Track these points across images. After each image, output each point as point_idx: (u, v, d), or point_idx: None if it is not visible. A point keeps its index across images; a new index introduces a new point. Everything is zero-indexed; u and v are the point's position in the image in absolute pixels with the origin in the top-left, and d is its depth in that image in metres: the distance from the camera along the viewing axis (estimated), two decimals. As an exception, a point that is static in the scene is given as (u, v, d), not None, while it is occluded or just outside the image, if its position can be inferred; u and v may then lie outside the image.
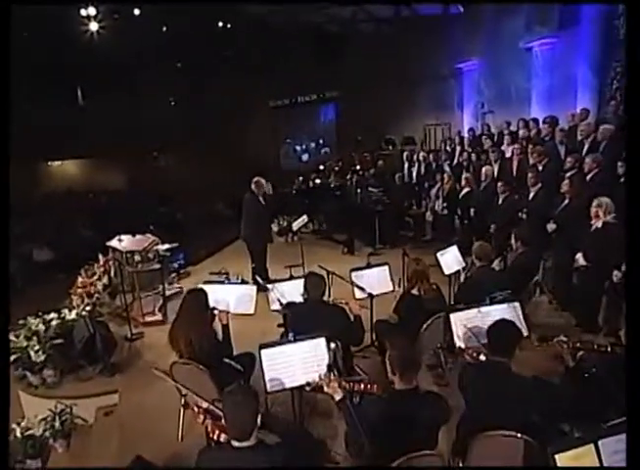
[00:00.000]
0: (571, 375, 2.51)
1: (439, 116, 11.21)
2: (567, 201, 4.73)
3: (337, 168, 11.94)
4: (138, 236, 5.30)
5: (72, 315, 4.67)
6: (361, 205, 8.60)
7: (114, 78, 13.05)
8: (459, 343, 3.04)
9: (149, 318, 5.27)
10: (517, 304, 3.28)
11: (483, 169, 6.45)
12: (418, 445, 1.97)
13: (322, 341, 2.77)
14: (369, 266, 4.25)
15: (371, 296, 3.87)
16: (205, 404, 2.10)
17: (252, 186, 5.85)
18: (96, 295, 5.17)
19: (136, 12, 11.48)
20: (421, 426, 2.03)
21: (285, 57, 13.28)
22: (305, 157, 15.15)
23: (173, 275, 6.82)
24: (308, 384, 2.41)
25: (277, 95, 15.10)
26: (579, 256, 4.33)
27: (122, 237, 5.42)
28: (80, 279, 5.27)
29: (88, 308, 4.85)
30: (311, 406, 3.37)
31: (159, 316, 5.35)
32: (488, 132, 8.60)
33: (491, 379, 2.28)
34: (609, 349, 2.52)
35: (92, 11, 10.74)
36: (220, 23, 12.59)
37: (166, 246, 5.97)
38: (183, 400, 3.22)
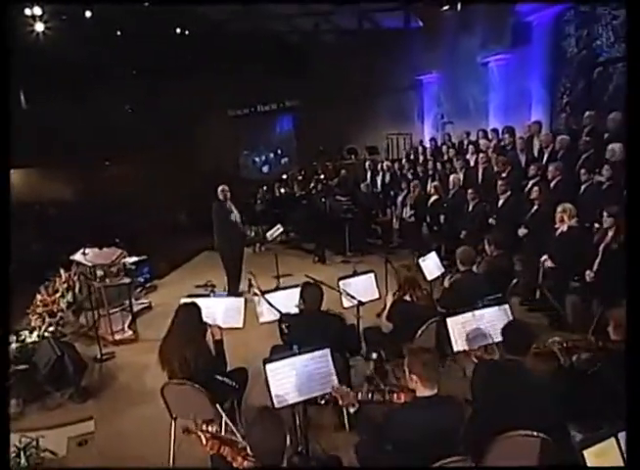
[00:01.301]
0: (566, 374, 2.61)
1: (401, 126, 11.53)
2: (536, 207, 4.99)
3: (300, 178, 11.94)
4: (105, 249, 4.96)
5: (33, 337, 4.28)
6: (330, 213, 8.62)
7: (63, 82, 12.31)
8: (458, 346, 3.08)
9: (118, 336, 4.93)
10: (507, 306, 3.39)
11: (451, 178, 6.68)
12: (448, 450, 1.95)
13: (327, 352, 2.70)
14: (355, 274, 4.22)
15: (361, 303, 3.84)
16: (212, 429, 1.95)
17: (220, 195, 5.73)
18: (59, 313, 4.77)
19: (87, 14, 10.95)
20: (449, 431, 2.01)
21: (245, 65, 13.15)
22: (266, 168, 15.04)
23: (139, 289, 6.46)
24: (323, 397, 2.32)
25: (236, 104, 14.91)
26: (545, 257, 4.58)
27: (87, 250, 5.06)
28: (40, 297, 4.85)
29: (51, 329, 4.48)
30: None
31: (129, 334, 5.03)
32: (450, 142, 8.95)
33: (508, 378, 2.31)
34: (600, 344, 2.65)
35: (37, 11, 10.11)
36: (178, 29, 12.26)
37: (134, 258, 5.66)
38: (174, 426, 3.01)
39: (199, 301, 3.65)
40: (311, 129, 13.31)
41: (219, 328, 3.07)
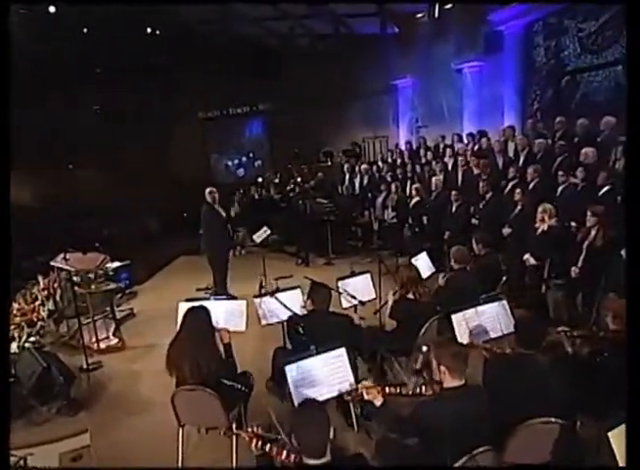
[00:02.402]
0: (575, 363, 2.74)
1: (376, 129, 11.72)
2: (519, 207, 5.21)
3: (277, 181, 11.89)
4: (89, 254, 4.73)
5: (13, 348, 4.04)
6: (311, 216, 8.63)
7: (22, 81, 11.65)
8: (463, 341, 3.17)
9: (104, 345, 4.72)
10: (504, 301, 3.52)
11: (433, 180, 6.86)
12: (476, 440, 2.00)
13: (343, 351, 2.71)
14: (353, 275, 4.25)
15: (362, 303, 3.87)
16: (254, 429, 1.92)
17: (207, 198, 5.66)
18: (39, 323, 4.51)
19: (51, 9, 10.45)
20: (477, 420, 2.06)
21: (218, 68, 12.97)
22: (241, 171, 14.90)
23: (119, 296, 6.21)
24: (349, 393, 2.33)
25: (207, 106, 14.70)
26: (528, 256, 4.79)
27: (68, 255, 4.80)
28: (17, 306, 4.57)
29: (32, 339, 4.23)
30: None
31: (115, 342, 4.83)
32: (426, 145, 9.18)
33: (522, 371, 2.40)
34: (602, 334, 2.80)
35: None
36: (149, 29, 11.93)
37: (117, 264, 5.46)
38: (181, 433, 2.91)
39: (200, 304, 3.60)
40: (285, 132, 13.29)
41: (227, 331, 3.00)
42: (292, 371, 2.52)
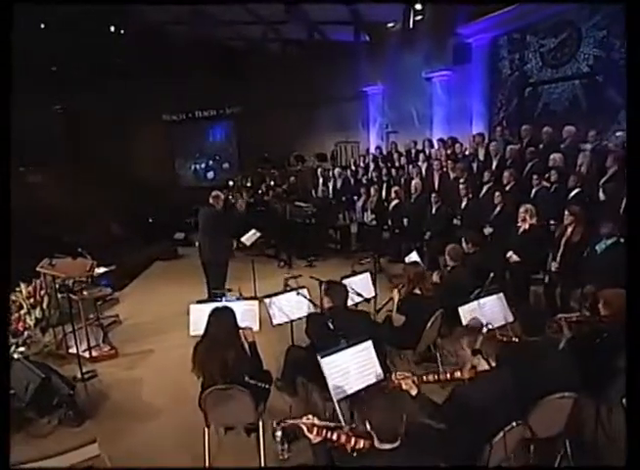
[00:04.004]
0: (571, 345, 3.04)
1: (347, 134, 11.99)
2: (499, 208, 5.59)
3: (249, 185, 11.85)
4: (79, 259, 4.56)
5: None
6: (290, 219, 8.70)
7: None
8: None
9: (96, 353, 4.55)
10: (501, 294, 3.81)
11: (413, 183, 7.16)
12: (507, 418, 2.20)
13: (370, 344, 2.85)
14: (354, 274, 4.39)
15: (367, 300, 4.03)
16: (317, 421, 1.99)
17: (211, 200, 5.64)
18: (26, 332, 4.29)
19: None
20: (509, 399, 2.26)
21: (184, 69, 12.75)
22: (211, 174, 14.68)
23: (100, 303, 5.99)
24: (384, 380, 2.46)
25: (172, 109, 14.39)
26: (511, 253, 5.14)
27: (54, 261, 4.60)
28: None
29: (21, 349, 4.04)
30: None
31: (107, 349, 4.67)
32: (397, 151, 9.53)
33: (531, 356, 2.64)
34: (596, 318, 3.13)
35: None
36: (112, 28, 11.54)
37: (103, 269, 5.28)
38: (208, 433, 2.91)
39: (210, 305, 3.60)
40: (254, 137, 13.26)
41: (251, 330, 3.04)
42: (328, 364, 2.61)
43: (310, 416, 2.05)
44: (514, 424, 2.22)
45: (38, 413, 3.59)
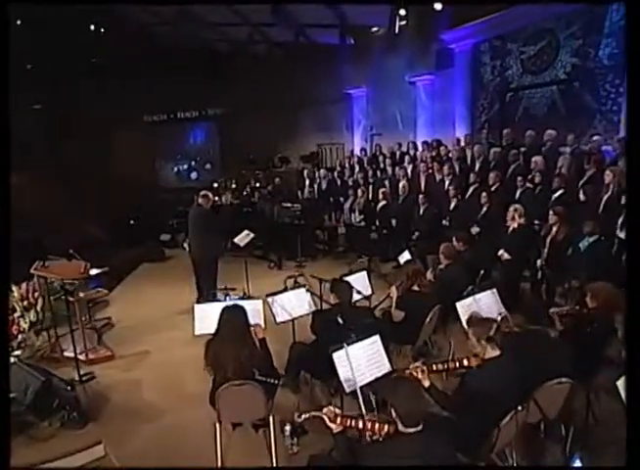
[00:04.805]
0: (564, 335, 3.23)
1: (332, 136, 12.12)
2: (485, 208, 5.81)
3: (234, 186, 11.82)
4: (74, 261, 4.51)
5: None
6: (278, 220, 8.75)
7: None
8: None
9: (93, 355, 4.50)
10: (494, 290, 3.98)
11: (401, 184, 7.34)
12: (514, 401, 2.34)
13: (377, 338, 2.96)
14: (351, 273, 4.49)
15: (366, 297, 4.15)
16: (339, 411, 2.08)
17: (200, 200, 5.65)
18: (20, 335, 4.22)
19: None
20: (515, 385, 2.41)
21: (166, 70, 12.61)
22: (194, 175, 14.56)
23: (90, 305, 5.90)
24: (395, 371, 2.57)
25: (154, 109, 14.23)
26: (502, 251, 5.36)
27: (47, 263, 4.53)
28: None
29: (17, 353, 3.97)
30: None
31: (103, 351, 4.63)
32: (381, 152, 9.70)
33: (534, 343, 2.81)
34: (584, 310, 3.33)
35: None
36: (92, 26, 11.32)
37: (96, 270, 5.22)
38: (219, 429, 2.96)
39: (218, 305, 3.65)
40: (238, 138, 13.24)
41: (261, 327, 3.11)
42: (339, 357, 2.71)
43: (331, 407, 2.14)
44: (519, 408, 2.38)
45: (38, 416, 3.55)
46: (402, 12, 8.95)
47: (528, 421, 2.63)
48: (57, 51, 11.27)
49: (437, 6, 8.18)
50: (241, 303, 3.70)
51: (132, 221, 11.25)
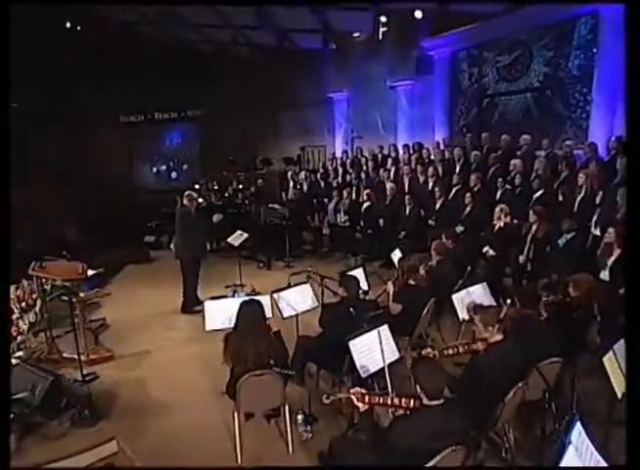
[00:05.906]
0: (549, 322, 3.54)
1: (314, 138, 12.31)
2: (469, 208, 6.14)
3: (216, 187, 11.82)
4: (73, 262, 4.49)
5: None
6: (265, 221, 8.85)
7: None
8: (462, 315, 3.85)
9: (93, 355, 4.51)
10: (485, 283, 4.28)
11: (388, 185, 7.61)
12: (514, 381, 2.60)
13: (386, 327, 3.16)
14: (349, 270, 4.68)
15: (365, 292, 4.35)
16: (364, 391, 2.26)
17: (185, 200, 5.71)
18: (19, 337, 4.19)
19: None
20: (516, 365, 2.66)
21: (145, 70, 12.47)
22: (174, 174, 14.43)
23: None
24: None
25: (131, 110, 14.02)
26: (487, 249, 5.68)
27: (45, 263, 4.50)
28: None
29: (19, 354, 3.96)
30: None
31: (104, 351, 4.64)
32: (362, 155, 9.96)
33: (531, 326, 3.09)
34: (568, 299, 3.65)
35: None
36: (68, 24, 11.08)
37: (92, 271, 5.20)
38: (237, 418, 3.08)
39: (226, 301, 3.77)
40: (218, 139, 13.23)
41: (274, 321, 3.26)
42: (355, 345, 2.89)
43: (357, 388, 2.32)
44: (520, 384, 2.64)
45: (48, 416, 3.55)
46: (383, 19, 9.29)
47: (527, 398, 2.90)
48: (30, 49, 10.96)
49: (418, 14, 8.56)
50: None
51: (111, 224, 11.06)
